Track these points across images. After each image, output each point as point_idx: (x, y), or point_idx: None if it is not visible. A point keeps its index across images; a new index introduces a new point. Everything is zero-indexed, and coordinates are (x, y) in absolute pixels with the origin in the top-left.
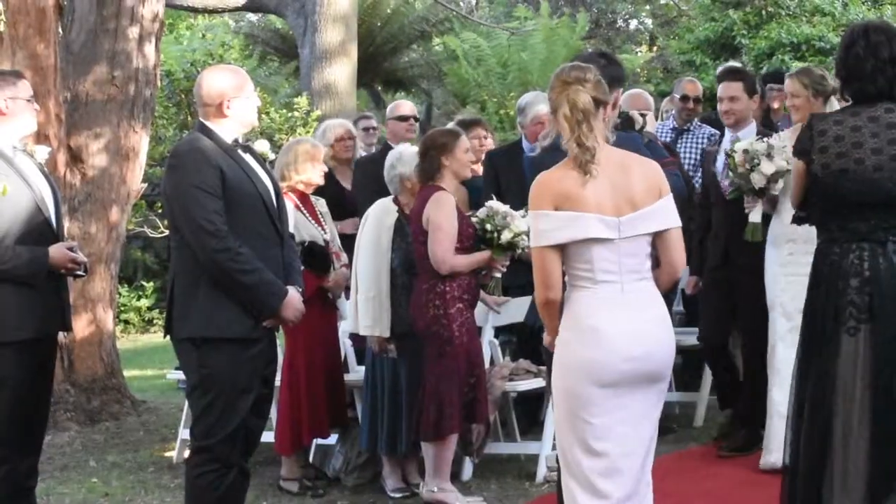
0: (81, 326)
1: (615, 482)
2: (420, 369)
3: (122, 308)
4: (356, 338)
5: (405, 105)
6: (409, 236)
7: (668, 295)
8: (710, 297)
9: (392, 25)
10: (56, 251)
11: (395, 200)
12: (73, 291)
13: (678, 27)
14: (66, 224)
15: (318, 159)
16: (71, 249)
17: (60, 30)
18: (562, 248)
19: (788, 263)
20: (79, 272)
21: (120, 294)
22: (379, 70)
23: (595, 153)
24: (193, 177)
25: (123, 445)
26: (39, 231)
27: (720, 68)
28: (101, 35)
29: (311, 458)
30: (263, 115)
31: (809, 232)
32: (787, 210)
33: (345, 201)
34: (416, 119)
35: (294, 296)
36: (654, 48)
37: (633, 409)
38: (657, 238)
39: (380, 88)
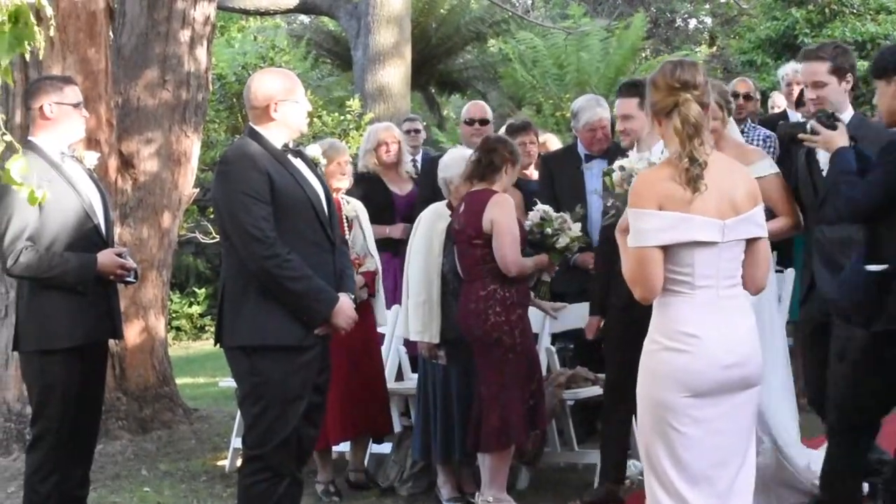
0: (133, 334)
1: (704, 492)
2: (471, 376)
3: (174, 315)
4: (411, 345)
5: (473, 107)
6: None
7: None
8: (615, 343)
9: (447, 27)
10: (105, 257)
11: (449, 205)
12: (124, 298)
13: (738, 26)
14: (118, 230)
15: (334, 161)
16: (120, 255)
17: (111, 34)
18: (663, 250)
19: None
20: (129, 279)
21: (171, 301)
22: (433, 72)
23: (705, 168)
24: (241, 183)
25: (175, 454)
26: (88, 237)
27: (621, 83)
28: (152, 39)
29: (365, 464)
30: (315, 119)
31: None
32: None
33: (392, 206)
34: (485, 122)
35: (345, 303)
36: (714, 47)
37: (726, 418)
38: (747, 247)
39: (434, 91)
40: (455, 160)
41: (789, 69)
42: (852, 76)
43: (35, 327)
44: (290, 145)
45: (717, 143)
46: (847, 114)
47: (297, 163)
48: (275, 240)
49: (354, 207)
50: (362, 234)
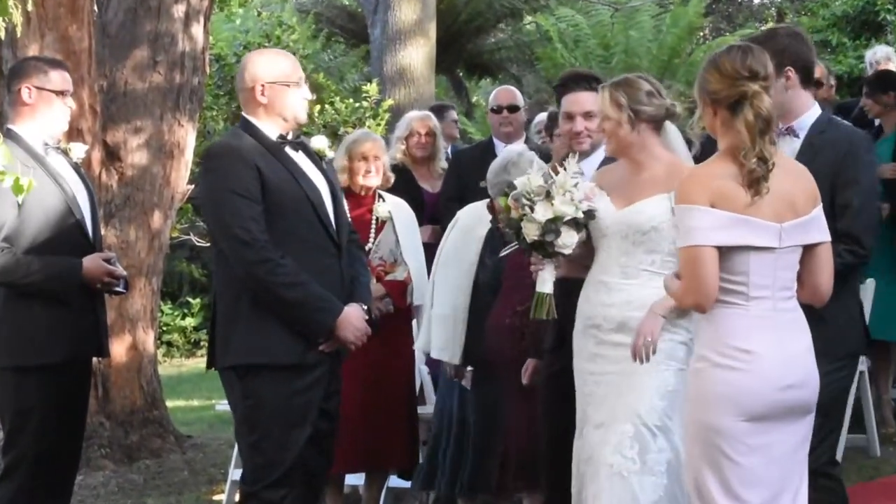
0: (118, 350)
1: None
2: (496, 404)
3: (165, 328)
4: (433, 365)
5: (501, 93)
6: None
7: None
8: (547, 391)
9: (477, 1)
10: (91, 263)
11: (491, 207)
12: (109, 309)
13: (811, 1)
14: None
15: (356, 158)
16: (108, 261)
17: (95, 8)
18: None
19: (596, 357)
20: (118, 288)
21: (162, 312)
22: (461, 53)
23: (772, 169)
24: (227, 180)
25: (166, 487)
26: (72, 239)
27: (562, 74)
28: (141, 14)
29: (381, 501)
30: (327, 106)
31: (619, 314)
32: (596, 281)
33: (422, 205)
34: (515, 110)
35: (352, 313)
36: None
37: (782, 446)
38: (806, 253)
39: (462, 74)
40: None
41: (880, 53)
42: (795, 68)
43: (9, 341)
44: (290, 136)
45: (625, 151)
46: (811, 113)
47: (298, 156)
48: (265, 243)
49: (390, 207)
50: (395, 236)
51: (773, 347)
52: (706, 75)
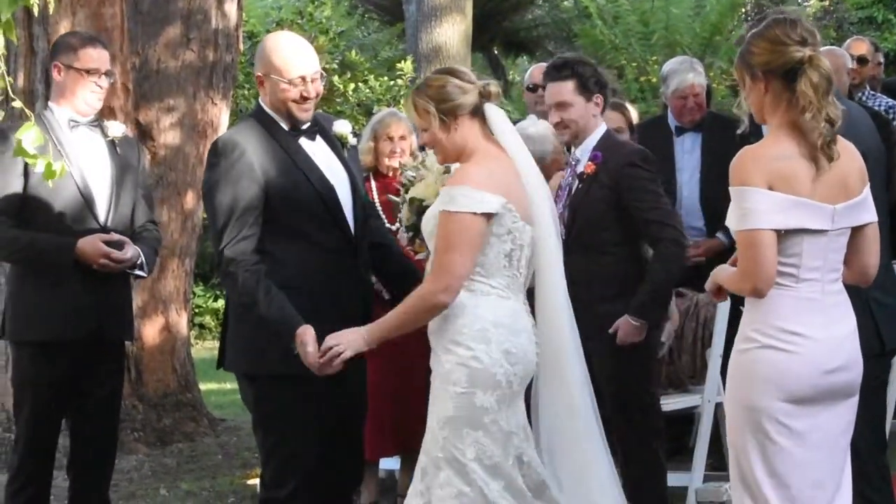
0: (151, 332)
1: None
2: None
3: (198, 310)
4: None
5: (536, 71)
6: None
7: None
8: None
9: None
10: (86, 243)
11: None
12: (142, 291)
13: None
14: None
15: (382, 138)
16: (112, 243)
17: None
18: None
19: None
20: (137, 272)
21: (194, 294)
22: (498, 30)
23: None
24: (224, 180)
25: (199, 471)
26: (81, 221)
27: (547, 64)
28: None
29: None
30: (361, 84)
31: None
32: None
33: None
34: None
35: (306, 336)
36: (826, 2)
37: (825, 431)
38: (855, 234)
39: (498, 52)
40: (542, 135)
41: None
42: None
43: (11, 317)
44: (307, 125)
45: (456, 157)
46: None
47: (316, 146)
48: (236, 257)
49: None
50: None
51: (822, 330)
52: (753, 49)
